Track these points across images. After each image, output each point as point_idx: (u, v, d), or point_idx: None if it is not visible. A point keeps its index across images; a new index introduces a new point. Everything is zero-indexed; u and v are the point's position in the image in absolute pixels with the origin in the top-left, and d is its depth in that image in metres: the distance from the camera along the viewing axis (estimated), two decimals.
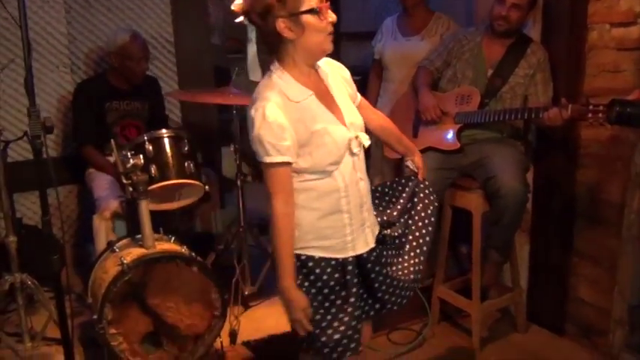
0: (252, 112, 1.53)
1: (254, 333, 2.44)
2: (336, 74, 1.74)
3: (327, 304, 1.65)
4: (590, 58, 2.60)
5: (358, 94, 1.83)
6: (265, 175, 1.57)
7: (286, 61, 1.59)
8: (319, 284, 1.64)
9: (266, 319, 2.55)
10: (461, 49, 2.68)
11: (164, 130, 2.37)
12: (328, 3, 1.56)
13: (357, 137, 1.64)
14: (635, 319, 2.26)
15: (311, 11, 1.52)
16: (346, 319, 1.65)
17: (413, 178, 1.91)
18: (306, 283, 1.63)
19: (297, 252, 1.61)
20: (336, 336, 1.65)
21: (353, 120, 1.67)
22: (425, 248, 1.89)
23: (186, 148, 2.36)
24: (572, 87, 2.62)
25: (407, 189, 1.90)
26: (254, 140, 1.52)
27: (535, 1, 2.54)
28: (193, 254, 2.14)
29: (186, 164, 2.34)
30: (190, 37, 3.27)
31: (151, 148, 2.28)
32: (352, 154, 1.64)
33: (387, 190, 1.94)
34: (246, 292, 2.63)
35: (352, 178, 1.65)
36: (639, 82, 2.36)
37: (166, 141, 2.34)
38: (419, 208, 1.90)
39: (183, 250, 2.16)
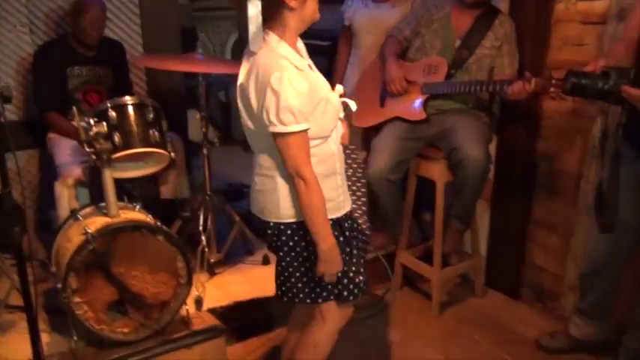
0: (275, 82, 1.49)
1: (220, 300, 2.47)
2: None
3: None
4: (555, 31, 2.63)
5: None
6: (290, 145, 1.54)
7: (280, 30, 1.59)
8: None
9: (232, 286, 2.59)
10: (430, 19, 2.67)
11: (128, 98, 2.31)
12: None
13: (343, 102, 1.71)
14: (585, 286, 2.36)
15: None
16: (356, 266, 1.74)
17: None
18: None
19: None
20: (356, 281, 1.74)
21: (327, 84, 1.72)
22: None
23: (151, 116, 2.31)
24: (537, 59, 2.66)
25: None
26: (281, 110, 1.49)
27: None
28: (159, 223, 2.13)
29: (151, 132, 2.30)
30: None
31: (114, 115, 2.22)
32: (339, 119, 1.71)
33: None
34: (212, 260, 2.65)
35: (337, 142, 1.72)
36: (601, 55, 2.41)
37: (130, 108, 2.28)
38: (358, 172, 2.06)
39: (148, 218, 2.15)
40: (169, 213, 2.76)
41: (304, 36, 1.71)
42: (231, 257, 2.80)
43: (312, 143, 1.60)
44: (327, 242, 1.60)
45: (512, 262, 2.94)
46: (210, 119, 2.70)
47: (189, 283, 2.16)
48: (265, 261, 2.74)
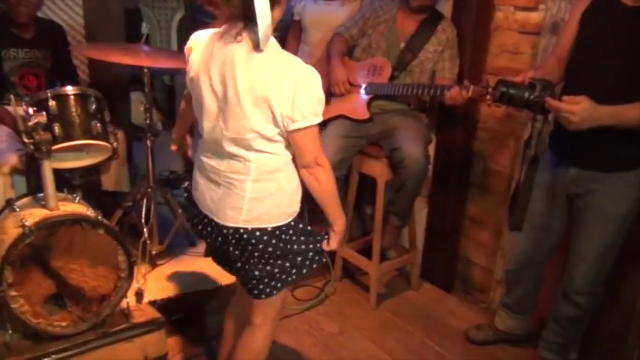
0: (306, 78, 1.51)
1: (161, 292, 2.47)
2: None
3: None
4: (494, 38, 2.75)
5: None
6: (312, 135, 1.57)
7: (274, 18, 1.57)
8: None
9: (173, 278, 2.59)
10: (377, 20, 2.73)
11: (69, 87, 2.24)
12: None
13: None
14: (510, 282, 2.51)
15: None
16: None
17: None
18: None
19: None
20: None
21: None
22: None
23: (93, 107, 2.26)
24: (476, 64, 2.78)
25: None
26: (317, 102, 1.54)
27: None
28: (99, 217, 2.10)
29: (92, 123, 2.25)
30: None
31: (55, 105, 2.16)
32: None
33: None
34: (154, 251, 2.64)
35: None
36: (535, 64, 2.55)
37: (72, 98, 2.23)
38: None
39: (88, 211, 2.12)
40: (110, 203, 2.73)
41: None
42: (173, 248, 2.80)
43: None
44: (342, 221, 1.74)
45: (447, 256, 3.08)
46: (154, 102, 2.63)
47: (130, 277, 2.15)
48: (207, 253, 2.75)
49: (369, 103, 2.69)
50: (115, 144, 2.38)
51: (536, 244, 2.32)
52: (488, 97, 2.25)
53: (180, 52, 1.89)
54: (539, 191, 2.17)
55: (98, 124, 2.25)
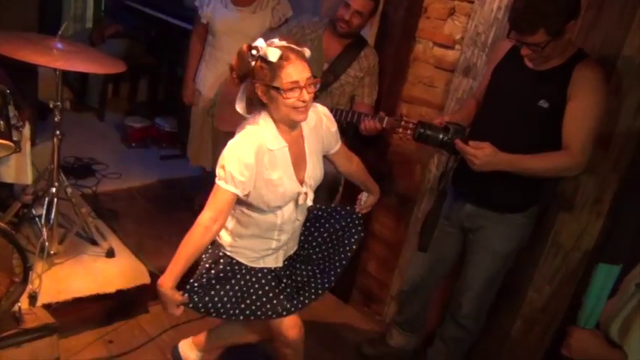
0: (234, 139, 1.81)
1: (57, 295, 2.39)
2: (321, 127, 2.00)
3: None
4: (412, 68, 2.88)
5: (339, 143, 2.11)
6: (214, 191, 1.83)
7: (270, 112, 1.84)
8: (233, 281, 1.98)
9: (71, 280, 2.50)
10: (303, 38, 2.75)
11: None
12: (308, 89, 1.77)
13: (305, 193, 1.95)
14: (403, 301, 2.68)
15: (276, 89, 1.75)
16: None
17: (353, 213, 2.23)
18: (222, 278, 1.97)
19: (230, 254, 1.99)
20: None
21: (313, 175, 1.98)
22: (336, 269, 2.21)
23: None
24: (394, 92, 2.90)
25: (343, 214, 2.23)
26: (220, 161, 1.80)
27: (376, 9, 2.70)
28: None
29: None
30: None
31: None
32: (297, 204, 1.96)
33: (323, 213, 2.22)
34: (52, 251, 2.53)
35: (290, 219, 1.98)
36: (446, 99, 2.71)
37: None
38: (345, 236, 2.21)
39: None
40: (8, 194, 2.59)
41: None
42: (73, 248, 2.70)
43: (254, 209, 1.90)
44: (165, 280, 1.83)
45: (348, 268, 3.19)
46: (63, 78, 2.44)
47: (24, 282, 2.08)
48: (109, 254, 2.69)
49: None
50: (18, 139, 2.25)
51: (431, 269, 2.50)
52: (401, 130, 2.39)
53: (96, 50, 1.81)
54: (446, 227, 2.34)
55: (1, 122, 2.12)
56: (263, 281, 2.01)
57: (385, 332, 2.83)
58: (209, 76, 3.08)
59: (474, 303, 2.34)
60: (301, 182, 1.94)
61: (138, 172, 3.77)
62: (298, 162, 1.93)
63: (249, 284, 2.00)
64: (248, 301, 1.98)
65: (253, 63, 1.77)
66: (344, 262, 2.20)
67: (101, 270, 2.59)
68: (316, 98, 2.67)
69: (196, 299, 1.93)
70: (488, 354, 2.60)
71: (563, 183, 2.28)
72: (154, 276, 2.70)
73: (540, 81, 2.04)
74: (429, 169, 2.81)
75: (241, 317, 1.98)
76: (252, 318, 1.99)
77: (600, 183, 2.18)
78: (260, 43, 1.78)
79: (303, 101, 1.78)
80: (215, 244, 2.02)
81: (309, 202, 2.00)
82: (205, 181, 3.42)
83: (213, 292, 1.95)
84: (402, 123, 2.42)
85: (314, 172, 1.98)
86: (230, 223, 1.96)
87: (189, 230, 1.84)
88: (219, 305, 1.95)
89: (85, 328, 2.51)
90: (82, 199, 3.02)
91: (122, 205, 3.29)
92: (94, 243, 2.72)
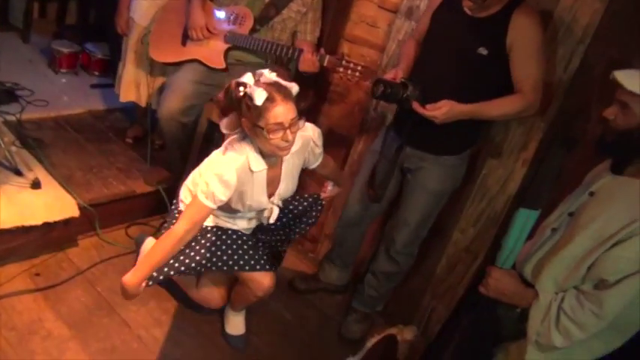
0: (219, 157, 1.93)
1: None
2: (306, 149, 2.12)
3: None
4: (356, 6, 2.83)
5: (319, 160, 2.23)
6: (193, 202, 1.93)
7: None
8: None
9: None
10: None
11: None
12: (292, 129, 1.83)
13: (271, 209, 2.13)
14: (337, 237, 2.75)
15: (261, 128, 1.80)
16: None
17: (318, 199, 2.44)
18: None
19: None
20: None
21: (284, 194, 2.14)
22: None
23: None
24: (336, 31, 2.85)
25: (310, 200, 2.43)
26: (203, 174, 1.93)
27: None
28: None
29: None
30: None
31: None
32: (260, 216, 2.18)
33: (297, 198, 2.41)
34: None
35: (251, 225, 2.22)
36: (388, 40, 2.69)
37: None
38: (304, 219, 2.42)
39: None
40: None
41: None
42: None
43: (222, 214, 2.12)
44: (132, 278, 1.84)
45: None
46: None
47: None
48: (35, 185, 2.56)
49: (227, 52, 2.64)
50: None
51: (368, 206, 2.56)
52: (342, 69, 2.37)
53: None
54: (383, 163, 2.40)
55: None
56: (229, 236, 2.14)
57: (318, 268, 2.91)
58: (143, 2, 2.90)
59: (408, 238, 2.44)
60: (270, 196, 2.09)
61: (66, 100, 3.57)
62: (273, 181, 2.07)
63: (216, 239, 2.12)
64: (219, 254, 2.10)
65: (239, 100, 1.83)
66: (297, 235, 2.45)
67: (26, 201, 2.48)
68: (256, 31, 2.63)
69: (156, 275, 1.99)
70: (413, 291, 2.74)
71: (494, 129, 2.36)
72: (84, 209, 2.64)
73: (479, 28, 2.07)
74: (367, 110, 2.82)
75: (206, 269, 2.11)
76: (225, 269, 2.11)
77: (528, 131, 2.27)
78: (248, 79, 1.82)
79: (287, 141, 1.85)
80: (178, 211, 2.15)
81: (272, 220, 2.16)
82: (139, 112, 3.30)
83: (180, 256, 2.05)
84: (344, 63, 2.40)
85: (285, 191, 2.14)
86: None
87: (162, 237, 1.93)
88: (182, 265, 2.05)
89: (10, 260, 2.44)
90: (5, 126, 2.86)
91: (49, 134, 3.12)
92: (19, 173, 2.58)
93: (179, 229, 1.89)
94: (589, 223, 1.52)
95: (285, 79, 1.87)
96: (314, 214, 2.44)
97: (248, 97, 1.80)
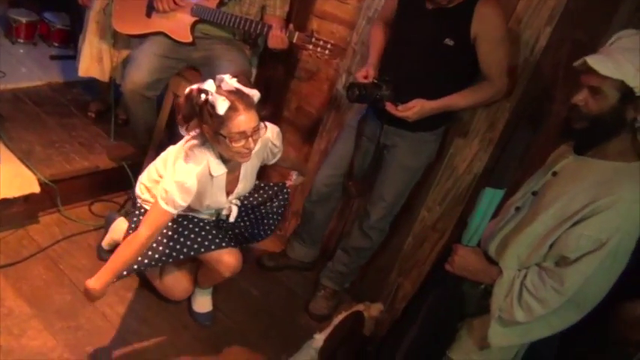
0: (180, 164, 1.92)
1: None
2: (265, 149, 2.15)
3: None
4: None
5: (279, 155, 2.27)
6: (154, 208, 1.93)
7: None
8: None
9: None
10: None
11: None
12: (253, 137, 1.87)
13: (229, 208, 2.19)
14: (306, 214, 2.74)
15: (223, 137, 1.83)
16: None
17: (283, 186, 2.49)
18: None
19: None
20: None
21: (242, 192, 2.20)
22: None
23: None
24: (305, 6, 2.82)
25: (275, 189, 2.47)
26: (164, 181, 1.92)
27: None
28: None
29: None
30: None
31: None
32: (218, 215, 2.23)
33: (262, 186, 2.47)
34: None
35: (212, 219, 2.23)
36: (358, 17, 2.67)
37: None
38: (274, 205, 2.46)
39: None
40: None
41: None
42: None
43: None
44: (96, 283, 1.85)
45: None
46: None
47: None
48: None
49: (194, 25, 2.57)
50: None
51: (339, 182, 2.56)
52: (312, 47, 2.37)
53: None
54: (362, 140, 2.43)
55: None
56: (190, 221, 2.16)
57: (285, 246, 2.91)
58: None
59: (382, 213, 2.47)
60: (228, 194, 2.13)
61: (25, 71, 3.43)
62: (231, 182, 2.11)
63: (178, 227, 2.13)
64: (182, 240, 2.12)
65: (201, 106, 1.83)
66: (272, 228, 2.48)
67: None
68: (224, 5, 2.57)
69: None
70: (380, 268, 2.78)
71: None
72: (45, 185, 2.56)
73: (443, 19, 2.11)
74: (336, 88, 2.81)
75: (175, 258, 2.12)
76: (192, 254, 2.12)
77: (494, 112, 2.30)
78: (210, 86, 1.82)
79: (248, 148, 1.88)
80: (139, 207, 2.19)
81: (232, 219, 2.21)
82: (102, 86, 3.21)
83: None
84: (313, 40, 2.38)
85: (243, 190, 2.20)
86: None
87: (125, 242, 1.93)
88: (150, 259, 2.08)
89: None
90: None
91: (7, 107, 3.00)
92: None
93: (141, 235, 1.91)
94: (552, 202, 1.56)
95: (246, 85, 1.89)
96: (281, 202, 2.49)
97: (210, 105, 1.80)
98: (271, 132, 2.13)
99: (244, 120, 1.82)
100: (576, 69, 1.51)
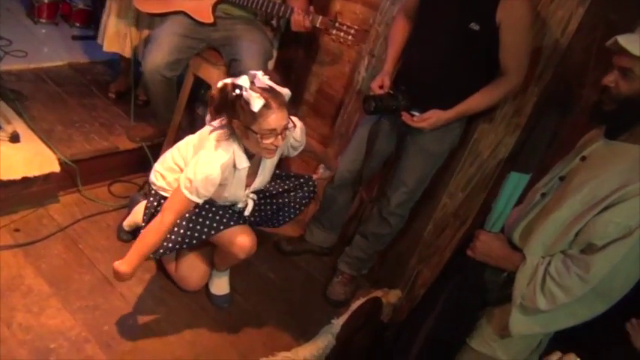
0: (205, 153, 1.94)
1: None
2: (285, 145, 2.16)
3: None
4: None
5: (301, 148, 2.27)
6: (177, 195, 1.95)
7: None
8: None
9: None
10: None
11: None
12: (282, 135, 1.91)
13: (246, 201, 2.21)
14: (328, 197, 2.70)
15: (254, 132, 1.87)
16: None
17: (310, 179, 2.48)
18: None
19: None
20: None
21: (259, 185, 2.22)
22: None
23: None
24: None
25: (301, 181, 2.47)
26: (189, 172, 1.92)
27: None
28: None
29: None
30: None
31: None
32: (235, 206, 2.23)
33: (289, 176, 2.49)
34: None
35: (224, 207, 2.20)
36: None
37: None
38: (299, 196, 2.47)
39: None
40: None
41: None
42: None
43: None
44: (126, 267, 1.91)
45: None
46: None
47: None
48: (14, 138, 2.48)
49: (215, 5, 2.54)
50: None
51: (361, 167, 2.52)
52: (335, 31, 2.37)
53: None
54: (384, 126, 2.39)
55: None
56: (202, 207, 2.14)
57: (304, 230, 2.89)
58: None
59: (403, 198, 2.43)
60: (246, 187, 2.16)
61: (46, 51, 3.44)
62: (250, 175, 2.13)
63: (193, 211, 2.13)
64: (200, 221, 2.12)
65: (234, 101, 1.86)
66: (292, 215, 2.51)
67: (4, 155, 2.40)
68: None
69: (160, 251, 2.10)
70: (399, 254, 2.74)
71: None
72: (65, 165, 2.57)
73: (469, 3, 2.04)
74: (358, 71, 2.76)
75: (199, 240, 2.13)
76: (205, 237, 2.13)
77: (521, 96, 2.23)
78: (244, 82, 1.85)
79: (276, 146, 1.93)
80: (154, 194, 2.20)
81: (247, 213, 2.23)
82: (123, 66, 3.20)
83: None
84: (337, 25, 2.35)
85: (260, 184, 2.22)
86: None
87: (150, 228, 1.97)
88: (179, 239, 2.11)
89: None
90: None
91: (28, 87, 3.01)
92: None
93: (166, 221, 1.94)
94: (580, 188, 1.50)
95: (277, 83, 1.91)
96: (306, 194, 2.49)
97: (244, 101, 1.84)
98: (296, 125, 2.12)
99: (276, 118, 1.87)
100: (609, 50, 1.45)
